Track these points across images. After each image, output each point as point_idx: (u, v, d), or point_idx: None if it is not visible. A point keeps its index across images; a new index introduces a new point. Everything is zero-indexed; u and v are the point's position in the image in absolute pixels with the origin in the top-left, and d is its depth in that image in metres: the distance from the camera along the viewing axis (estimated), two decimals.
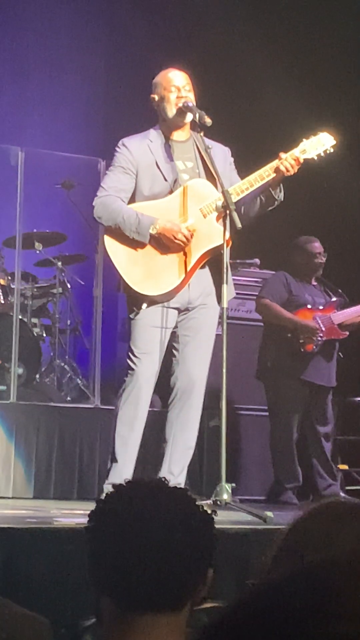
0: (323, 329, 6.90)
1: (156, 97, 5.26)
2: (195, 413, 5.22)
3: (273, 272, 7.43)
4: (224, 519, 4.51)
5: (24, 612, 2.24)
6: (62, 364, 7.86)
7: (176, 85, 5.22)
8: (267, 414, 7.13)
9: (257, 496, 6.98)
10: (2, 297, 7.44)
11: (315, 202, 8.15)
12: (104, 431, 6.34)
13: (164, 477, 2.12)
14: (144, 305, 5.10)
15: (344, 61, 8.49)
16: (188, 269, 5.11)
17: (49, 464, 6.67)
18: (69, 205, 7.83)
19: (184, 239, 5.05)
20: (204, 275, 5.18)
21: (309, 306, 6.98)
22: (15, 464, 6.56)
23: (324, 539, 1.59)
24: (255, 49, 8.35)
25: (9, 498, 6.42)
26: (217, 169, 5.12)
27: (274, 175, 5.14)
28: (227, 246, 5.02)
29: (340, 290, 7.17)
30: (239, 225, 4.95)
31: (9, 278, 7.49)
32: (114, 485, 2.05)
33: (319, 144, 5.28)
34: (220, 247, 5.05)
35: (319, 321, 6.91)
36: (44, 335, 7.92)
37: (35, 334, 7.69)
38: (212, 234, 5.10)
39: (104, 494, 2.10)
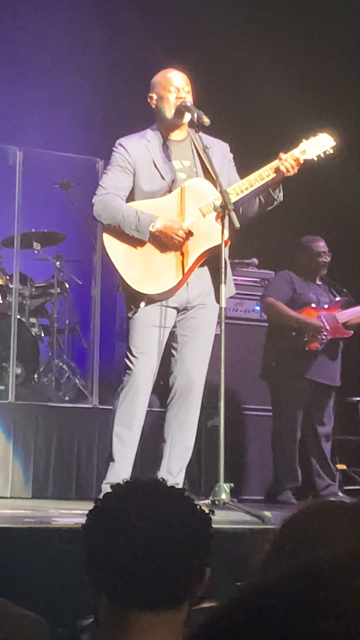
0: (327, 327, 6.90)
1: (154, 97, 5.24)
2: (193, 413, 5.21)
3: (271, 272, 7.42)
4: (222, 519, 4.51)
5: (21, 611, 2.24)
6: (61, 364, 7.86)
7: (175, 86, 5.20)
8: (266, 413, 7.13)
9: (256, 496, 6.98)
10: (0, 297, 7.43)
11: (314, 202, 8.15)
12: (102, 431, 6.33)
13: (162, 477, 2.11)
14: (142, 304, 5.08)
15: (344, 61, 8.50)
16: (186, 268, 5.10)
17: (47, 464, 6.66)
18: (67, 205, 7.82)
19: (184, 237, 5.05)
20: (203, 275, 5.17)
21: (313, 305, 6.97)
22: (14, 464, 6.56)
23: (313, 539, 1.60)
24: (255, 49, 8.35)
25: (7, 498, 6.41)
26: (216, 169, 5.11)
27: (274, 175, 5.13)
28: (225, 246, 5.02)
29: (345, 290, 7.17)
30: (237, 225, 4.94)
31: (8, 278, 7.49)
32: (112, 485, 2.05)
33: (318, 145, 5.27)
34: (219, 247, 5.04)
35: (324, 320, 6.91)
36: (42, 335, 7.92)
37: (34, 334, 7.68)
38: (212, 234, 5.09)
39: (102, 494, 2.09)
